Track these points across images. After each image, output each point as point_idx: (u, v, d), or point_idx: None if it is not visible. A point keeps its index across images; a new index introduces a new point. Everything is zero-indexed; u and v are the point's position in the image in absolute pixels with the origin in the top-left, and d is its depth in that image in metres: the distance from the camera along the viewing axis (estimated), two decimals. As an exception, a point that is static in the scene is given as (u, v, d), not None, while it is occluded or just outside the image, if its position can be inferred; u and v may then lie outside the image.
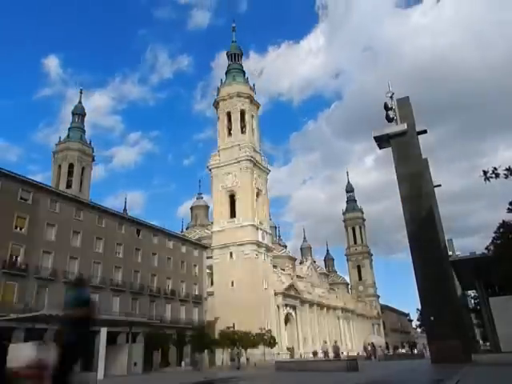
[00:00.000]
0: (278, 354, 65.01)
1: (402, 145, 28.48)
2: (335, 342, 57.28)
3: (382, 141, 29.54)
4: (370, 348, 54.93)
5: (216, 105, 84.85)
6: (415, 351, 67.91)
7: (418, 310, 64.05)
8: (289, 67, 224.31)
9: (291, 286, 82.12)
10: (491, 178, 8.93)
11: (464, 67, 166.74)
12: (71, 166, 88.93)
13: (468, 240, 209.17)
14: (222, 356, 60.55)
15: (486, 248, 23.74)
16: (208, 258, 70.21)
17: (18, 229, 39.67)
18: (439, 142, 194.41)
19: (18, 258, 39.00)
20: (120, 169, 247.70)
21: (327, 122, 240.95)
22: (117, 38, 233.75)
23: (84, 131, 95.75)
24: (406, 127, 28.28)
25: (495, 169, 8.94)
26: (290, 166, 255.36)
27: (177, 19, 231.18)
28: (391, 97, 29.94)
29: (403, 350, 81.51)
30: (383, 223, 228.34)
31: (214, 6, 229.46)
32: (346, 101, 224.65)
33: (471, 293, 41.00)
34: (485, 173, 8.99)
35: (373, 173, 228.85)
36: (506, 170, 8.90)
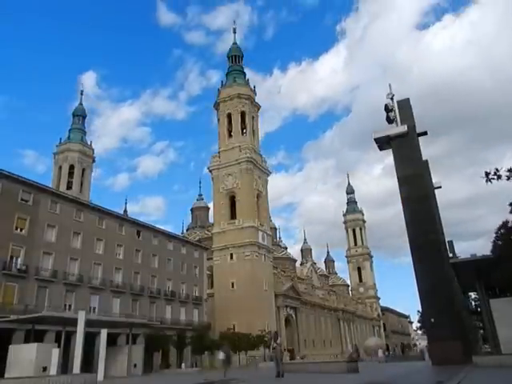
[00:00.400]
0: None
1: (402, 146, 28.49)
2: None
3: (382, 142, 29.56)
4: (352, 350, 54.66)
5: (216, 106, 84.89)
6: (410, 353, 67.84)
7: (418, 311, 64.00)
8: (307, 84, 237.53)
9: (291, 288, 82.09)
10: (493, 179, 8.89)
11: (476, 86, 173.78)
12: (72, 167, 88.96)
13: (475, 243, 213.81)
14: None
15: (492, 252, 23.70)
16: (208, 259, 70.19)
17: (19, 230, 39.66)
18: (448, 151, 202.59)
19: (19, 259, 38.96)
20: (145, 176, 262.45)
21: (339, 133, 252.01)
22: (150, 56, 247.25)
23: (85, 132, 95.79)
24: (406, 129, 28.30)
25: (497, 170, 8.89)
26: (302, 174, 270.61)
27: (208, 42, 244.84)
28: (392, 98, 29.97)
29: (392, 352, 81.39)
30: (391, 228, 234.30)
31: (244, 31, 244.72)
32: (357, 114, 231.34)
33: (472, 294, 40.92)
34: (487, 174, 8.95)
35: (382, 180, 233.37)
36: (509, 171, 8.86)
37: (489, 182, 8.95)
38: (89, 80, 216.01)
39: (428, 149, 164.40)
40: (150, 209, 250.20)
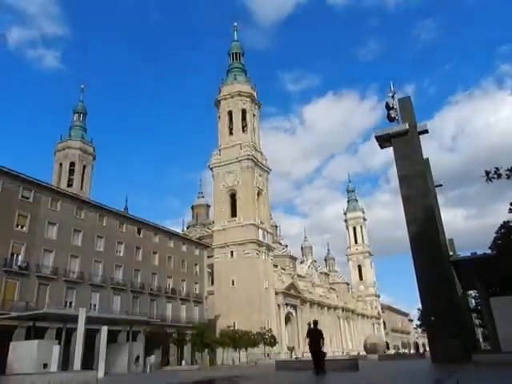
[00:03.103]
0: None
1: (402, 144, 28.41)
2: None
3: (383, 140, 29.48)
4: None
5: (217, 104, 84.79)
6: (403, 350, 67.67)
7: (418, 309, 63.91)
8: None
9: (292, 286, 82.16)
10: (493, 178, 8.88)
11: None
12: (72, 164, 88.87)
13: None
14: (222, 355, 60.61)
15: (490, 247, 23.73)
16: (209, 257, 70.28)
17: (19, 227, 39.74)
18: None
19: (19, 256, 39.06)
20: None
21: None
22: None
23: (85, 130, 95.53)
24: (407, 127, 28.23)
25: (497, 169, 8.89)
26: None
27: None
28: (393, 96, 29.88)
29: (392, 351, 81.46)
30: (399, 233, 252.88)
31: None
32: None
33: (472, 293, 40.92)
34: (487, 173, 8.94)
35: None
36: (509, 170, 8.86)
37: (489, 181, 8.96)
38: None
39: (472, 187, 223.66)
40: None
